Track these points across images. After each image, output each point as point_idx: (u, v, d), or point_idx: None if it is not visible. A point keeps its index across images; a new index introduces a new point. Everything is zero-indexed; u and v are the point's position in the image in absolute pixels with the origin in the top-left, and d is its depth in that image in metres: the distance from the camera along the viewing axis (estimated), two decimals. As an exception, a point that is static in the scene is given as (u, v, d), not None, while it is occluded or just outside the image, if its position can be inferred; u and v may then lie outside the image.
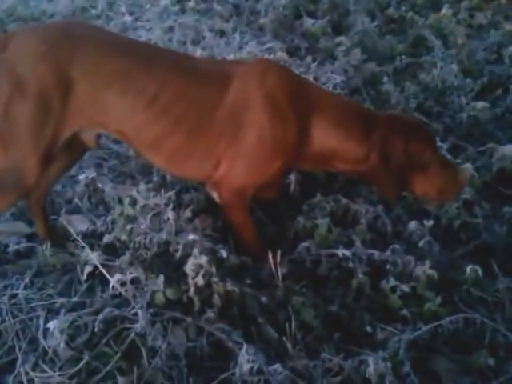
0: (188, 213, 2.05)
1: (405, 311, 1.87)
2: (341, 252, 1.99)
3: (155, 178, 2.39)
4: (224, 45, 3.55)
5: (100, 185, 2.32)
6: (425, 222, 2.19)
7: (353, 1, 4.04)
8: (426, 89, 3.16)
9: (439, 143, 2.50)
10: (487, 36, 3.67)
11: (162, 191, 2.14)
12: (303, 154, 2.01)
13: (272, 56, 3.18)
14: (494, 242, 2.22)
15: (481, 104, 2.85)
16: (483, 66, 3.33)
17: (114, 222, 2.11)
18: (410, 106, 2.99)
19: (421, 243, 2.13)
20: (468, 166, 2.44)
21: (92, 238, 2.12)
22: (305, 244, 2.04)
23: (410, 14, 3.91)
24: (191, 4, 4.12)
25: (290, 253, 2.05)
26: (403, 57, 3.42)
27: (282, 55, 3.25)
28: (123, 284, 1.82)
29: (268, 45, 3.39)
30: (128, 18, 3.99)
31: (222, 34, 3.75)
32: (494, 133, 2.83)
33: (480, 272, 1.97)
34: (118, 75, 1.84)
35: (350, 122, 2.01)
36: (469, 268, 1.97)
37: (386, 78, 3.16)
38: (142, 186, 2.18)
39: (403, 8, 4.01)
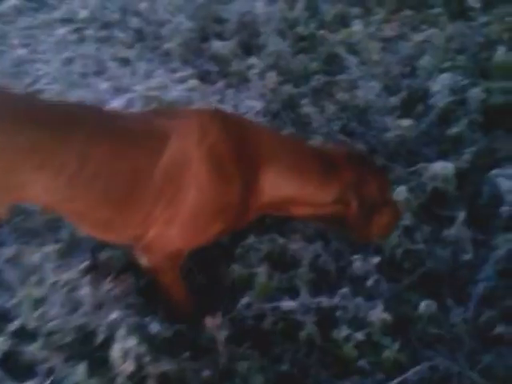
0: (107, 284, 1.78)
1: (362, 362, 1.74)
2: (285, 304, 1.80)
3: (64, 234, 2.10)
4: (130, 74, 3.29)
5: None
6: (369, 258, 2.06)
7: (261, 20, 3.88)
8: (345, 108, 3.05)
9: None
10: (398, 49, 3.61)
11: (74, 259, 1.85)
12: (253, 208, 1.82)
13: (184, 86, 2.97)
14: (438, 268, 2.13)
15: (406, 122, 2.77)
16: (400, 81, 3.26)
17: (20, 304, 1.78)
18: (333, 128, 2.86)
19: (369, 282, 2.00)
20: (402, 188, 2.33)
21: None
22: (245, 299, 1.85)
23: (321, 31, 3.80)
24: (90, 32, 3.81)
25: (230, 310, 1.86)
26: (319, 76, 3.30)
27: (193, 83, 3.05)
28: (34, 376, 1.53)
29: (178, 74, 3.16)
30: (22, 51, 3.61)
31: (126, 62, 3.48)
32: (421, 150, 2.75)
33: (433, 307, 1.88)
34: (30, 149, 1.57)
35: (306, 166, 1.87)
36: (422, 304, 1.88)
37: (304, 100, 3.02)
38: (50, 248, 1.89)
39: (312, 25, 3.89)
